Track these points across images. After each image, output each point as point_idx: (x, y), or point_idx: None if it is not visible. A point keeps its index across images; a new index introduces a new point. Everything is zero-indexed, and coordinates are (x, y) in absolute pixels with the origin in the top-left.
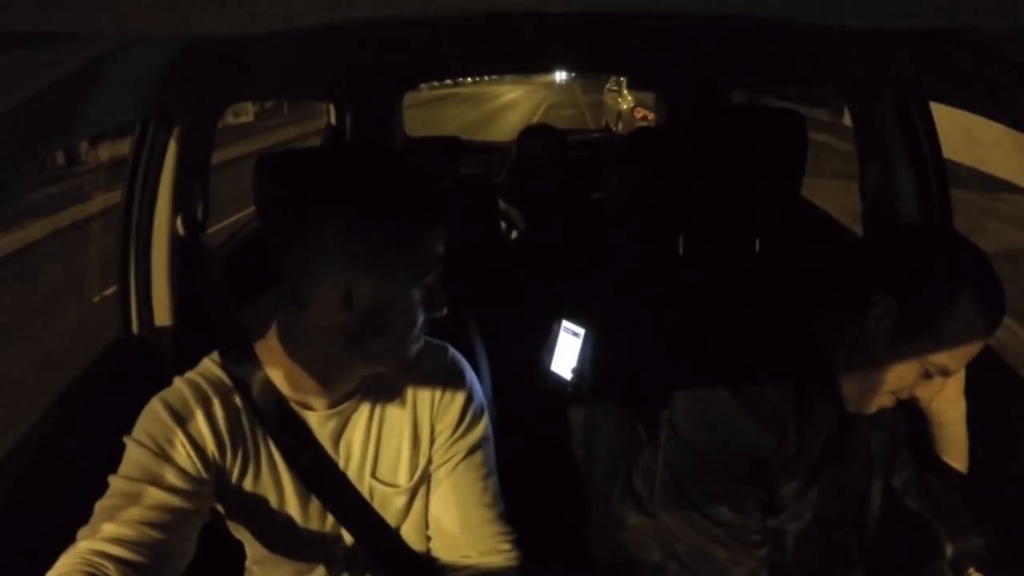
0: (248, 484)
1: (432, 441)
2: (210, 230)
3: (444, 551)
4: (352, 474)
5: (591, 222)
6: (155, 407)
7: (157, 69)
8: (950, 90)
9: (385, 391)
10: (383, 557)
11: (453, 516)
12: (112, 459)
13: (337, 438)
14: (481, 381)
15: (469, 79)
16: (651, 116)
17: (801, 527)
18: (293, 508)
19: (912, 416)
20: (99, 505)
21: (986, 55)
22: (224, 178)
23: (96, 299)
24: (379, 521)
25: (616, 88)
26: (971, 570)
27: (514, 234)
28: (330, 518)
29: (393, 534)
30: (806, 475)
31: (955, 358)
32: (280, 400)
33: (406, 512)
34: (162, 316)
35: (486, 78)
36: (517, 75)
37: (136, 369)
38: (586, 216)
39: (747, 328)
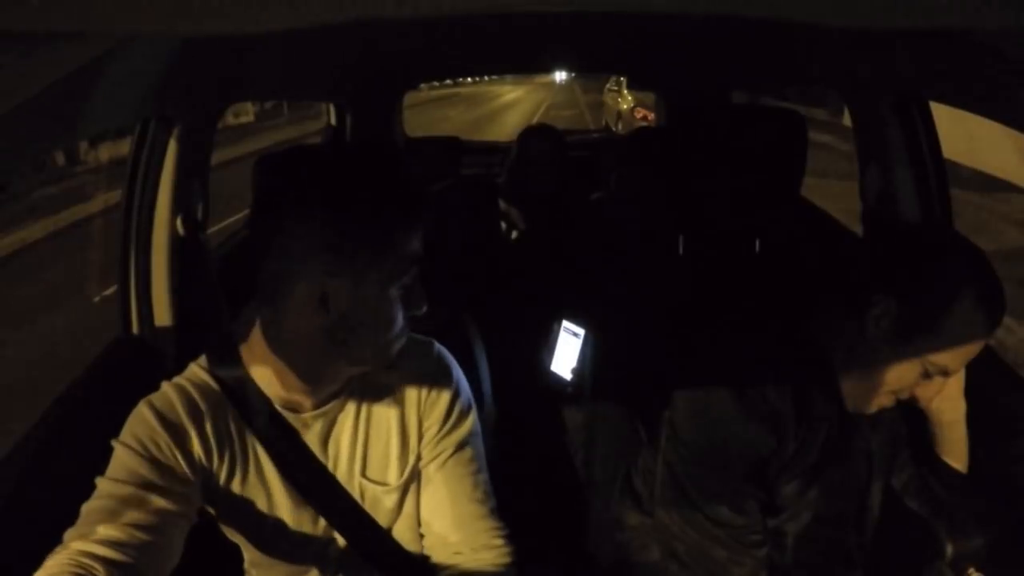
0: (236, 487)
1: (420, 438)
2: (210, 230)
3: (436, 549)
4: (341, 474)
5: (591, 222)
6: (142, 411)
7: (157, 69)
8: (950, 90)
9: (371, 390)
10: (375, 557)
11: (444, 513)
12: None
13: (325, 439)
14: (481, 381)
15: (469, 79)
16: (651, 116)
17: (801, 527)
18: (283, 510)
19: (912, 416)
20: (86, 507)
21: (986, 55)
22: (224, 178)
23: (96, 299)
24: (370, 521)
25: (616, 88)
26: (971, 570)
27: (514, 234)
28: (321, 519)
29: (385, 534)
30: (806, 475)
31: (955, 358)
32: (266, 403)
33: (397, 511)
34: (162, 316)
35: (486, 78)
36: (517, 75)
37: (136, 369)
38: (586, 216)
39: (747, 328)
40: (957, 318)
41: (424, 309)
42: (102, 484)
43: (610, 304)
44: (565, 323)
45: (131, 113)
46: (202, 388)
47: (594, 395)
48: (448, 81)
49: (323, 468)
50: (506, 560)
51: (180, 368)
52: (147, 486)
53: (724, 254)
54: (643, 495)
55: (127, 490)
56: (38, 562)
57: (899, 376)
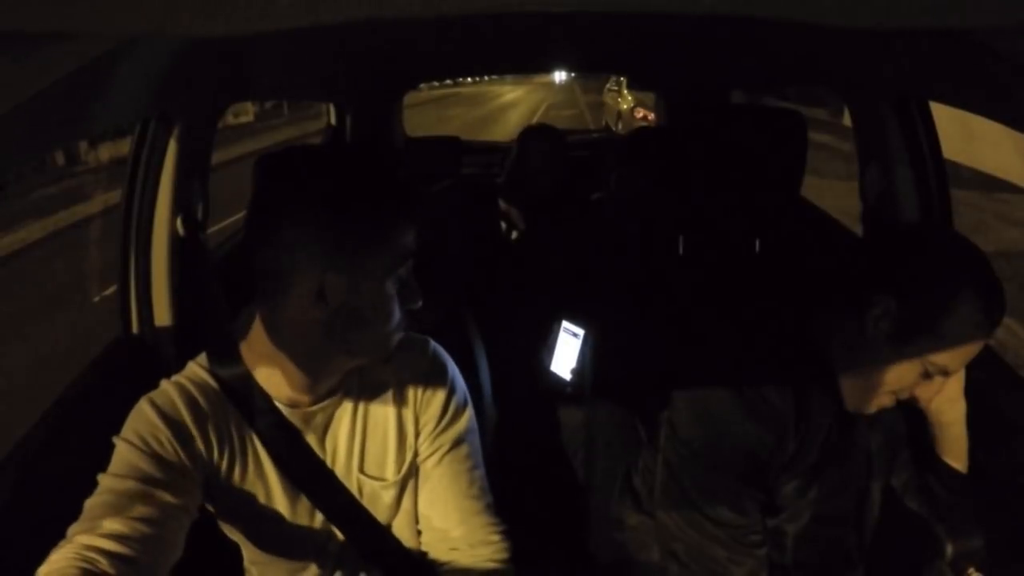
0: (236, 483)
1: (418, 434)
2: (210, 230)
3: (434, 544)
4: (340, 470)
5: (591, 222)
6: (143, 408)
7: (157, 69)
8: (950, 90)
9: (368, 386)
10: (374, 553)
11: (441, 509)
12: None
13: (323, 435)
14: (481, 381)
15: (469, 79)
16: (651, 116)
17: (801, 527)
18: (282, 506)
19: (912, 416)
20: (89, 503)
21: (986, 55)
22: (224, 178)
23: (96, 299)
24: (368, 517)
25: (616, 88)
26: (971, 570)
27: (514, 234)
28: (319, 515)
29: (383, 530)
30: (806, 475)
31: (955, 358)
32: (265, 399)
33: (395, 507)
34: (162, 316)
35: (486, 78)
36: (517, 75)
37: (136, 369)
38: (586, 216)
39: (747, 328)
40: (957, 318)
41: (419, 303)
42: (104, 480)
43: (610, 304)
44: (565, 323)
45: (131, 113)
46: (202, 386)
47: (594, 395)
48: (448, 81)
49: (321, 464)
50: (504, 556)
51: (180, 368)
52: (149, 481)
53: (724, 254)
54: (643, 495)
55: (129, 485)
56: (40, 559)
57: (899, 376)
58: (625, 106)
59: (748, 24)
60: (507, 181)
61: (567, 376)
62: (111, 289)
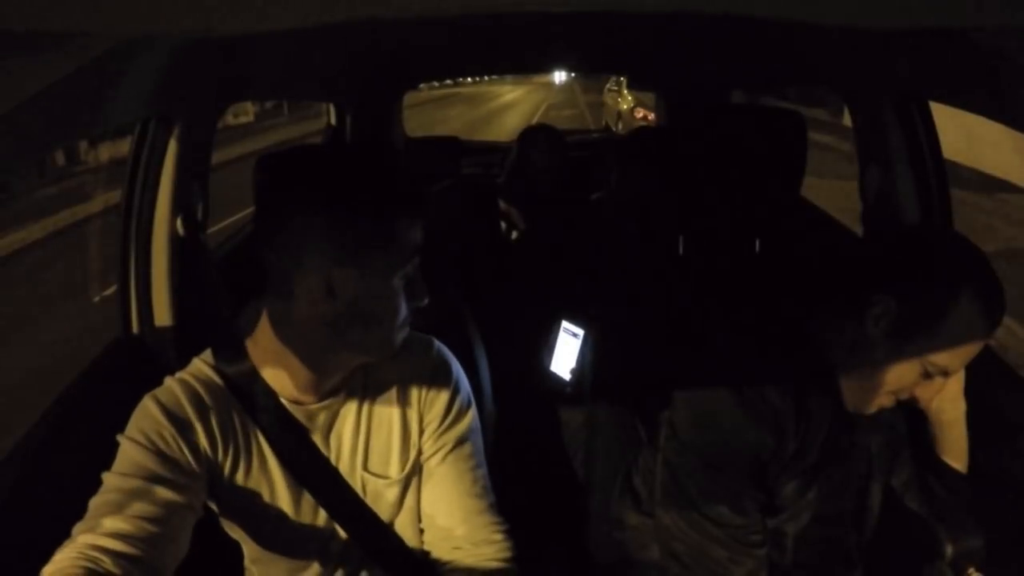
0: (240, 480)
1: (421, 432)
2: (210, 230)
3: (437, 543)
4: (343, 468)
5: (591, 222)
6: (147, 405)
7: (157, 69)
8: (950, 90)
9: (373, 385)
10: (376, 551)
11: (445, 507)
12: (112, 458)
13: (327, 432)
14: (481, 381)
15: (469, 79)
16: (651, 116)
17: (800, 527)
18: (285, 504)
19: (912, 416)
20: (94, 502)
21: (986, 55)
22: (224, 178)
23: (96, 299)
24: (371, 515)
25: (616, 88)
26: (971, 570)
27: (514, 234)
28: (322, 513)
29: (386, 528)
30: (806, 475)
31: (955, 358)
32: (270, 396)
33: (399, 505)
34: (162, 316)
35: (486, 78)
36: (517, 75)
37: (136, 369)
38: (586, 216)
39: (747, 328)
40: (957, 318)
41: (426, 300)
42: (108, 479)
43: (610, 304)
44: (565, 323)
45: (131, 113)
46: (206, 383)
47: (594, 395)
48: (448, 81)
49: (326, 461)
50: (507, 555)
51: (180, 368)
52: (153, 479)
53: (724, 254)
54: (643, 495)
55: (133, 483)
56: (39, 561)
57: (899, 376)
58: (625, 106)
59: (748, 24)
60: (507, 181)
61: (566, 376)
62: (111, 289)
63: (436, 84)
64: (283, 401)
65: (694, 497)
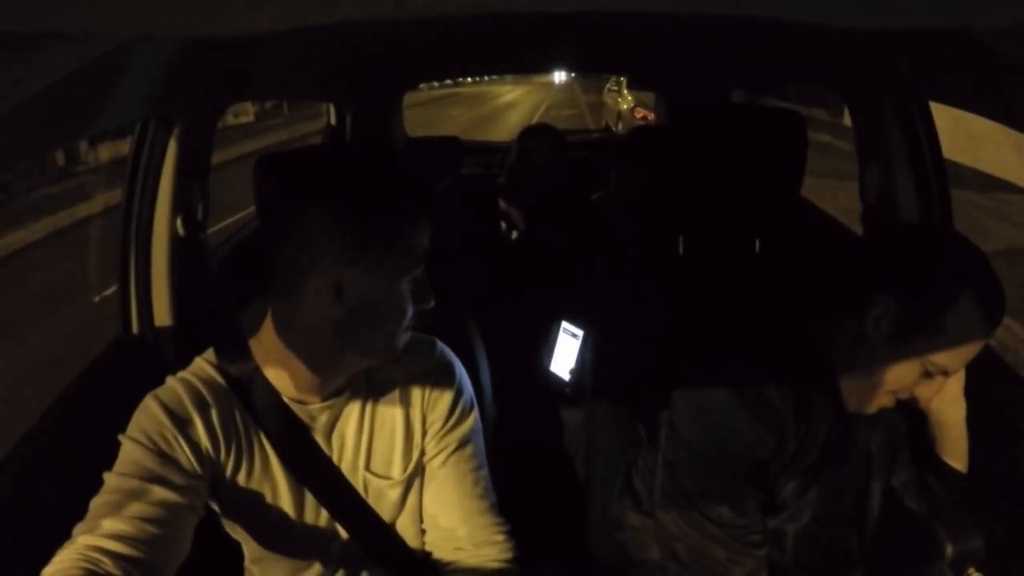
0: (242, 480)
1: (424, 433)
2: (210, 230)
3: (438, 544)
4: (346, 468)
5: (591, 222)
6: (149, 405)
7: (157, 69)
8: (950, 90)
9: (376, 386)
10: (378, 552)
11: (447, 508)
12: (112, 459)
13: (330, 432)
14: (481, 381)
15: (469, 79)
16: (651, 116)
17: (801, 527)
18: (287, 503)
19: (912, 416)
20: (95, 502)
21: (986, 55)
22: (224, 178)
23: (96, 299)
24: (373, 515)
25: (616, 88)
26: (971, 570)
27: (514, 234)
28: (324, 513)
29: (388, 528)
30: (806, 475)
31: (955, 358)
32: (273, 395)
33: (400, 505)
34: (162, 316)
35: (486, 78)
36: (517, 75)
37: (136, 369)
38: (586, 216)
39: (747, 328)
40: (957, 318)
41: (432, 303)
42: (109, 479)
43: (610, 304)
44: (564, 324)
45: (131, 113)
46: (208, 382)
47: (594, 395)
48: (448, 81)
49: (328, 461)
50: (508, 555)
51: (181, 368)
52: (154, 479)
53: (724, 254)
54: (643, 495)
55: (134, 484)
56: (39, 561)
57: (899, 376)
58: (625, 106)
59: (748, 24)
60: (507, 181)
61: (566, 377)
62: (111, 289)
63: (436, 84)
64: (286, 401)
65: (694, 497)
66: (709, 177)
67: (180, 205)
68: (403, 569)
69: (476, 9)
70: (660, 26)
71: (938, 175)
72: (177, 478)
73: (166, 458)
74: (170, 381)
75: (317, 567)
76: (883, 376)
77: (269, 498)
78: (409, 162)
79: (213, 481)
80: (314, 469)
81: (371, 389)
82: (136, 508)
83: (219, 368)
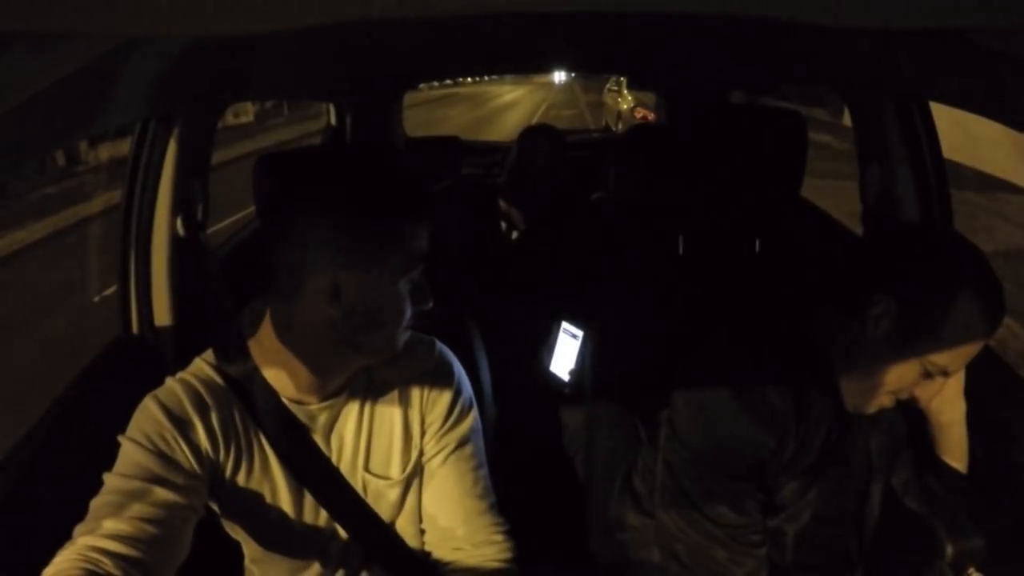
0: (241, 480)
1: (423, 433)
2: (210, 230)
3: (438, 544)
4: (345, 468)
5: (591, 222)
6: (148, 405)
7: (157, 69)
8: (950, 90)
9: (375, 386)
10: (377, 552)
11: (446, 508)
12: (112, 459)
13: (329, 432)
14: (481, 381)
15: (469, 79)
16: (651, 116)
17: (800, 527)
18: (286, 504)
19: (912, 416)
20: (95, 503)
21: (986, 55)
22: (224, 178)
23: (96, 299)
24: (372, 515)
25: (616, 88)
26: (971, 570)
27: (514, 234)
28: (323, 513)
29: (387, 528)
30: (806, 475)
31: (955, 358)
32: (272, 396)
33: (400, 506)
34: (162, 316)
35: (486, 78)
36: (517, 75)
37: (136, 369)
38: (586, 216)
39: (747, 328)
40: (957, 318)
41: (430, 304)
42: (109, 480)
43: (610, 304)
44: (564, 324)
45: (131, 113)
46: (207, 383)
47: (594, 395)
48: (448, 81)
49: (327, 461)
50: (508, 555)
51: (180, 368)
52: (154, 480)
53: (724, 254)
54: (643, 495)
55: (134, 484)
56: (39, 561)
57: (899, 376)
58: (625, 106)
59: (748, 24)
60: (507, 181)
61: (565, 377)
62: (111, 289)
63: (436, 84)
64: (285, 401)
65: (694, 497)
66: (709, 177)
67: (180, 205)
68: (402, 569)
69: (476, 9)
70: (660, 26)
71: (938, 175)
72: (177, 479)
73: (166, 459)
74: (169, 382)
75: (316, 567)
76: (883, 376)
77: (268, 498)
78: (409, 162)
79: (212, 481)
80: (313, 469)
81: (370, 389)
82: (136, 509)
83: (218, 369)
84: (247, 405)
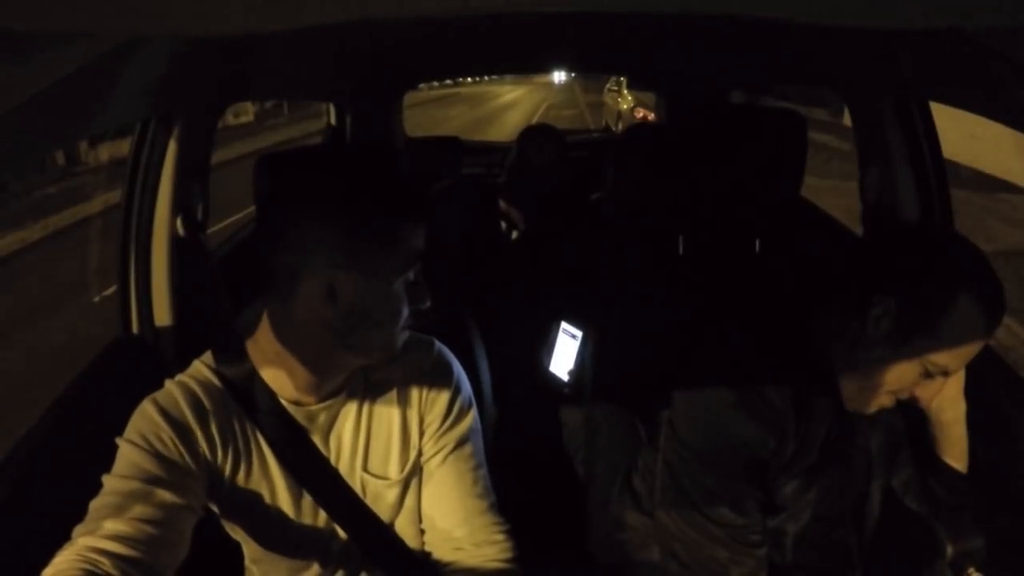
0: (240, 482)
1: (422, 433)
2: (210, 230)
3: (438, 544)
4: (343, 468)
5: (591, 222)
6: (146, 408)
7: (157, 69)
8: (950, 90)
9: (374, 386)
10: (377, 552)
11: (445, 508)
12: (112, 459)
13: (327, 433)
14: (481, 381)
15: (469, 79)
16: (651, 116)
17: (800, 527)
18: (285, 504)
19: (912, 416)
20: (94, 504)
21: (986, 55)
22: (224, 178)
23: (96, 299)
24: (371, 516)
25: (616, 88)
26: (971, 570)
27: (514, 234)
28: (323, 514)
29: (386, 529)
30: (806, 475)
31: (955, 358)
32: (271, 397)
33: (399, 506)
34: (162, 316)
35: (486, 78)
36: (517, 75)
37: (136, 369)
38: (586, 216)
39: (747, 328)
40: (957, 318)
41: (428, 304)
42: (108, 481)
43: (610, 304)
44: (564, 324)
45: (131, 113)
46: (206, 385)
47: (594, 395)
48: (448, 81)
49: (326, 462)
50: (508, 555)
51: (180, 368)
52: (153, 481)
53: (724, 254)
54: (643, 495)
55: (133, 485)
56: (39, 561)
57: (899, 376)
58: (625, 106)
59: (748, 24)
60: (507, 181)
61: (565, 377)
62: (111, 289)
63: (436, 84)
64: (283, 402)
65: (694, 497)
66: (709, 177)
67: (180, 205)
68: (402, 569)
69: (476, 9)
70: (660, 26)
71: (938, 175)
72: (175, 479)
73: (163, 460)
74: (168, 385)
75: (316, 567)
76: (883, 376)
77: (267, 499)
78: (409, 162)
79: (211, 482)
80: (312, 470)
81: (368, 389)
82: (135, 510)
83: (216, 371)
84: (246, 406)
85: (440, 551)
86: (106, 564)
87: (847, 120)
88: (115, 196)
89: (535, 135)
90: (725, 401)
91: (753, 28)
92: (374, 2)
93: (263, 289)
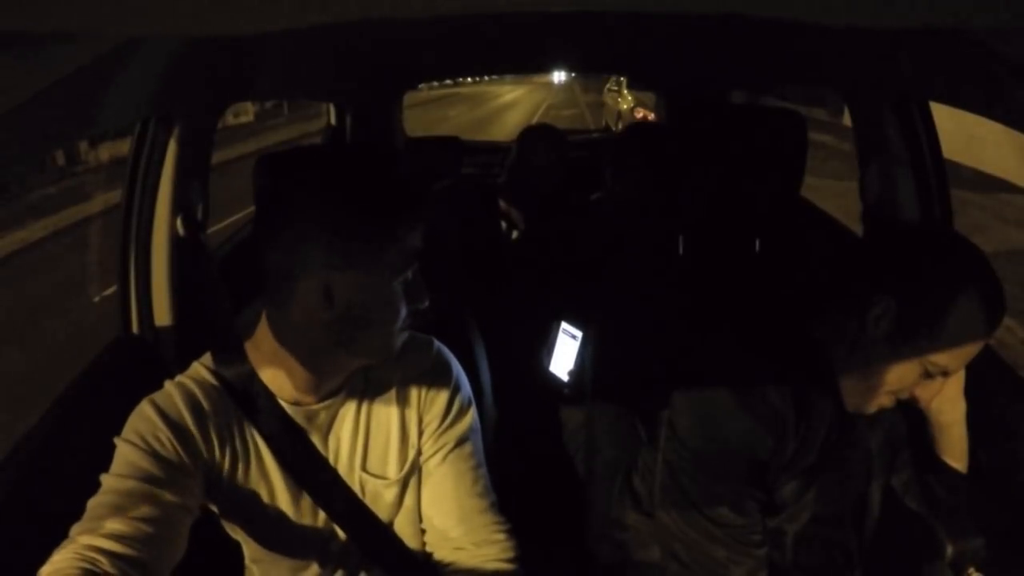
0: (239, 481)
1: (421, 433)
2: (210, 230)
3: (438, 544)
4: (342, 468)
5: (591, 222)
6: (144, 408)
7: (157, 69)
8: (950, 90)
9: (372, 385)
10: (376, 552)
11: (445, 508)
12: (111, 459)
13: (326, 433)
14: (481, 381)
15: (469, 79)
16: (651, 116)
17: (800, 527)
18: (284, 504)
19: (912, 416)
20: (92, 503)
21: (986, 55)
22: (224, 178)
23: (96, 299)
24: (370, 515)
25: (616, 88)
26: (971, 570)
27: (514, 234)
28: (322, 514)
29: (385, 528)
30: (805, 475)
31: (955, 358)
32: (270, 398)
33: (398, 505)
34: (162, 316)
35: (486, 78)
36: (517, 75)
37: (136, 369)
38: (586, 216)
39: (747, 328)
40: (957, 318)
41: (426, 303)
42: (106, 480)
43: (610, 304)
44: (564, 325)
45: (131, 113)
46: (205, 386)
47: (594, 395)
48: (448, 81)
49: (325, 462)
50: (509, 555)
51: (180, 368)
52: (151, 480)
53: (724, 254)
54: (643, 495)
55: (131, 485)
56: (42, 559)
57: (899, 376)
58: (625, 106)
59: (748, 24)
60: (507, 181)
61: (565, 377)
62: (111, 289)
63: (436, 84)
64: (282, 402)
65: (694, 497)
66: (709, 177)
67: (180, 205)
68: (401, 569)
69: (476, 9)
70: (660, 26)
71: (938, 175)
72: (172, 479)
73: (161, 460)
74: (167, 385)
75: (315, 567)
76: (883, 376)
77: (267, 499)
78: (409, 162)
79: (210, 482)
80: (311, 470)
81: (367, 389)
82: (133, 509)
83: (215, 372)
84: (244, 407)
85: (440, 551)
86: (104, 562)
87: (847, 120)
88: (115, 196)
89: (535, 135)
90: (725, 401)
91: (753, 28)
92: (374, 2)
93: (262, 290)
